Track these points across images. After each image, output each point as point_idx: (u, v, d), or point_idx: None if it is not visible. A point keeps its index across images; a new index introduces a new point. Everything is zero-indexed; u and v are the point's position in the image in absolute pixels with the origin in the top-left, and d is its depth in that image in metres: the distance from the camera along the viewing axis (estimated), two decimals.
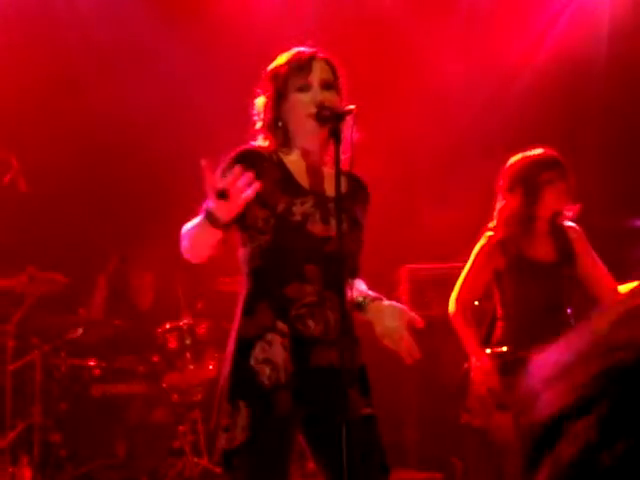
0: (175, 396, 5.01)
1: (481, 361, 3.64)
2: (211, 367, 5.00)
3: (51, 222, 5.71)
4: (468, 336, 3.71)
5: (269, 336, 2.47)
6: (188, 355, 4.98)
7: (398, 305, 2.57)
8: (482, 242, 3.73)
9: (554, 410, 0.73)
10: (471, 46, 5.99)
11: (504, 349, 3.68)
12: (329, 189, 2.57)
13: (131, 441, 4.92)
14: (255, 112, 2.66)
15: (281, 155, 2.61)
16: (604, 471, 0.68)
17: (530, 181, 3.60)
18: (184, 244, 2.48)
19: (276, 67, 2.62)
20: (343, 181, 2.51)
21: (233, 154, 2.56)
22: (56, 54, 5.83)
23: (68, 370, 5.01)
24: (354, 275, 2.63)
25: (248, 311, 2.52)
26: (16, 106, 5.58)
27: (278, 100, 2.59)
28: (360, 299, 2.54)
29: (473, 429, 3.85)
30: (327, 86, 2.57)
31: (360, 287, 2.61)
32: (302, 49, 2.63)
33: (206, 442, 4.96)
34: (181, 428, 4.94)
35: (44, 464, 4.80)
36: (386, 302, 2.56)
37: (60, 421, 4.89)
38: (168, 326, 5.05)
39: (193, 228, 2.43)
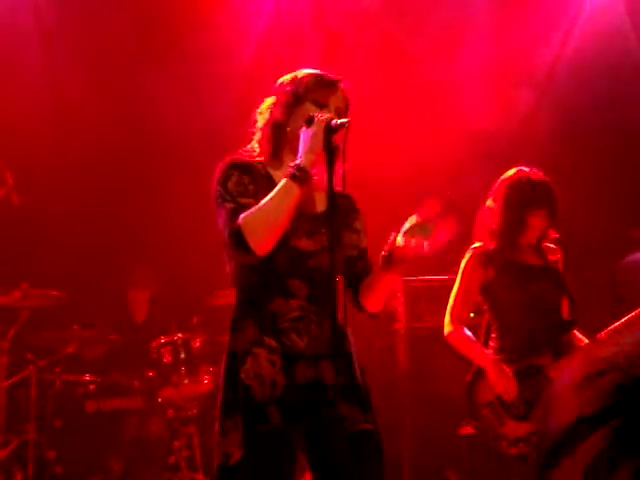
0: (170, 411, 4.99)
1: (498, 367, 3.59)
2: (206, 381, 4.98)
3: (45, 238, 5.70)
4: (476, 348, 3.69)
5: (256, 351, 2.47)
6: (183, 369, 4.96)
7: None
8: (468, 256, 3.75)
9: (575, 416, 0.75)
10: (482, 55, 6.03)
11: (503, 357, 3.65)
12: (317, 206, 2.61)
13: (126, 457, 4.89)
14: (260, 110, 2.65)
15: (269, 169, 2.62)
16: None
17: (519, 205, 3.67)
18: (257, 229, 2.39)
19: (300, 75, 2.63)
20: (322, 200, 2.55)
21: (227, 162, 2.57)
22: (53, 68, 5.85)
23: (63, 386, 4.99)
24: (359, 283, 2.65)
25: (236, 326, 2.53)
26: (10, 121, 5.59)
27: (293, 103, 2.58)
28: (383, 254, 2.48)
29: (473, 438, 3.81)
30: (339, 114, 2.58)
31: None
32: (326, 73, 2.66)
33: (202, 457, 4.94)
34: (176, 443, 4.92)
35: None
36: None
37: (55, 437, 4.86)
38: (163, 340, 5.03)
39: (272, 205, 2.40)
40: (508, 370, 3.58)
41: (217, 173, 2.56)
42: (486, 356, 3.65)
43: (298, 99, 2.58)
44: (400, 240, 2.42)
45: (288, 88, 2.61)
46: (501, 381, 3.56)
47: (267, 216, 2.40)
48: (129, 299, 5.64)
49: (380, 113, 5.58)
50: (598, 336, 3.64)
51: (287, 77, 2.66)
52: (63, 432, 4.87)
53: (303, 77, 2.62)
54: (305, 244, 2.53)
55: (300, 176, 2.42)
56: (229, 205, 2.47)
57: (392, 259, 2.46)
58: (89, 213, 5.82)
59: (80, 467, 4.83)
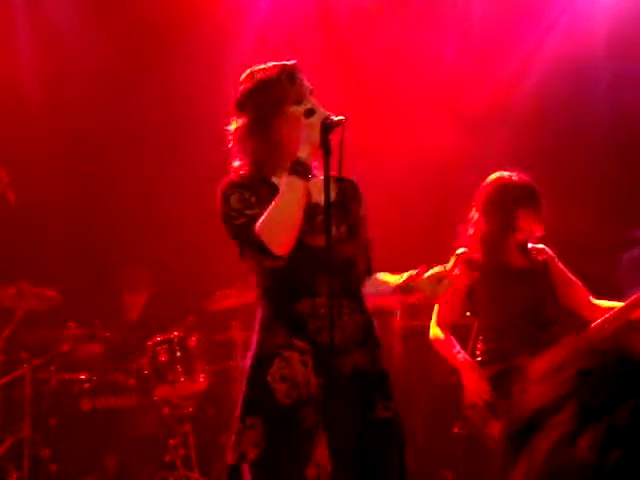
0: (166, 409, 4.98)
1: (470, 371, 3.68)
2: (202, 380, 4.98)
3: (41, 237, 5.69)
4: (452, 351, 3.77)
5: (286, 354, 2.50)
6: (179, 368, 4.95)
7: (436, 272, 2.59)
8: (453, 260, 3.75)
9: (534, 406, 0.79)
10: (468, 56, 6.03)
11: (487, 359, 3.71)
12: (319, 197, 2.56)
13: (122, 455, 4.89)
14: (242, 134, 2.60)
15: (267, 177, 2.62)
16: (581, 457, 0.73)
17: (505, 207, 3.69)
18: (273, 231, 2.42)
19: (264, 87, 2.59)
20: (333, 188, 2.54)
21: (225, 184, 2.58)
22: (48, 66, 5.84)
23: (58, 384, 4.98)
24: (369, 273, 2.70)
25: (266, 329, 2.56)
26: (4, 120, 5.58)
27: (274, 115, 2.56)
28: (402, 285, 2.55)
29: (466, 438, 3.84)
30: (311, 93, 2.61)
31: (386, 278, 2.66)
32: (276, 63, 2.63)
33: (197, 456, 4.93)
34: (172, 441, 4.91)
35: (34, 479, 4.76)
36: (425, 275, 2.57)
37: (50, 436, 4.85)
38: (159, 339, 5.02)
39: (280, 205, 2.42)
40: (479, 373, 3.66)
41: (218, 197, 2.58)
42: (459, 360, 3.73)
43: (277, 112, 2.56)
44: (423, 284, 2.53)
45: (260, 101, 2.57)
46: (470, 385, 3.66)
47: (279, 216, 2.43)
48: (124, 301, 5.62)
49: (374, 105, 5.57)
50: (591, 326, 3.69)
51: (253, 93, 2.60)
52: (58, 430, 4.86)
53: (271, 88, 2.58)
54: (319, 240, 2.52)
55: (300, 170, 2.44)
56: (239, 221, 2.50)
57: (407, 290, 2.54)
58: (85, 212, 5.81)
59: (75, 465, 4.83)
